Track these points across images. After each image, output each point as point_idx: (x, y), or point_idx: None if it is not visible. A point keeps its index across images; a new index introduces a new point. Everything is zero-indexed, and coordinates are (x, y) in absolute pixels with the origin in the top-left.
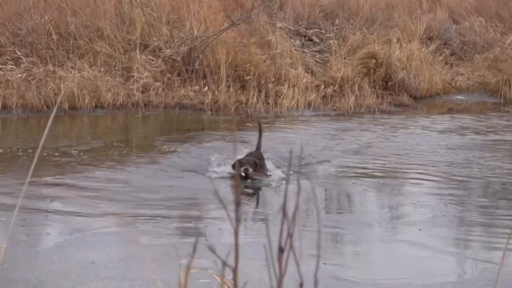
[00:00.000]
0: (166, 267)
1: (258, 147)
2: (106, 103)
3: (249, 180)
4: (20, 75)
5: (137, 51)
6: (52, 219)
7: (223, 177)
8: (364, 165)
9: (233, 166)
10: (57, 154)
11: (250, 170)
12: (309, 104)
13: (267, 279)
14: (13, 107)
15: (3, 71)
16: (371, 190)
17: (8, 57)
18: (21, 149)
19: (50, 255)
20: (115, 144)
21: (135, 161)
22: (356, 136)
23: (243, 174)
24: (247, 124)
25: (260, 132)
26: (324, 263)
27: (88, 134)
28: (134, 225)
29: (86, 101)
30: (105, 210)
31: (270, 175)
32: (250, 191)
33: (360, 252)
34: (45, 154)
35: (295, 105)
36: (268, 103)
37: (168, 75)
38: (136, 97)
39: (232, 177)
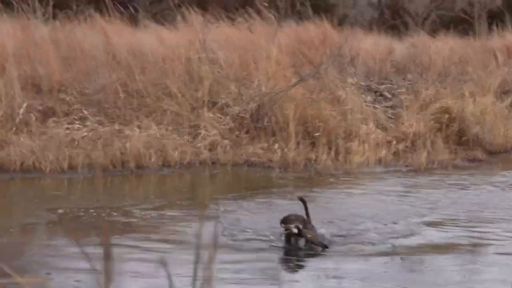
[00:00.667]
0: None
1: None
2: (173, 161)
3: (299, 242)
4: (86, 134)
5: (205, 109)
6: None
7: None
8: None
9: (282, 222)
10: (117, 214)
11: (301, 226)
12: (380, 160)
13: None
14: (79, 167)
15: (69, 130)
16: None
17: (75, 117)
18: (82, 209)
19: None
20: (179, 203)
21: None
22: (430, 194)
23: (295, 230)
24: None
25: (306, 207)
26: None
27: (153, 193)
28: None
29: (153, 160)
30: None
31: (325, 246)
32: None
33: None
34: (103, 215)
35: (366, 162)
36: (338, 160)
37: (237, 132)
38: (203, 155)
39: (282, 235)
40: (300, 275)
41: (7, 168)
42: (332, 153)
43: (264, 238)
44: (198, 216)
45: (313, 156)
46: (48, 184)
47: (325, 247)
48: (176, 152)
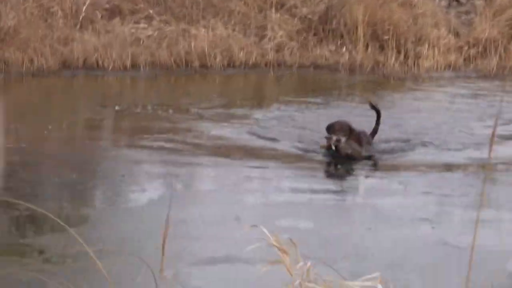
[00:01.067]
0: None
1: (374, 131)
2: (239, 62)
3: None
4: (151, 33)
5: (273, 10)
6: (150, 175)
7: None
8: None
9: (327, 129)
10: (174, 111)
11: (343, 140)
12: (450, 65)
13: None
14: (142, 65)
15: (134, 29)
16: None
17: (141, 15)
18: (140, 106)
19: (140, 213)
20: (238, 102)
21: (250, 118)
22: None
23: (332, 146)
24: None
25: (378, 115)
26: (433, 227)
27: (213, 92)
28: (238, 184)
29: (218, 59)
30: (206, 168)
31: (372, 155)
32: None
33: (472, 219)
34: (160, 112)
35: (435, 66)
36: (406, 64)
37: (304, 34)
38: (269, 57)
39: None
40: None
41: (70, 65)
42: (401, 57)
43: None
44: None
45: (381, 59)
46: (109, 81)
47: (369, 158)
48: (242, 53)
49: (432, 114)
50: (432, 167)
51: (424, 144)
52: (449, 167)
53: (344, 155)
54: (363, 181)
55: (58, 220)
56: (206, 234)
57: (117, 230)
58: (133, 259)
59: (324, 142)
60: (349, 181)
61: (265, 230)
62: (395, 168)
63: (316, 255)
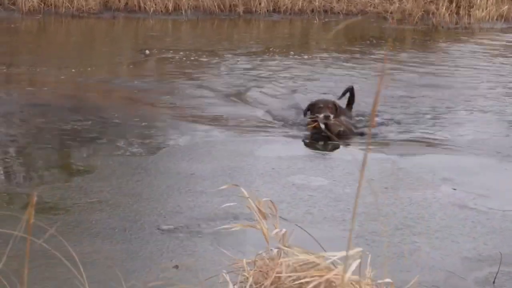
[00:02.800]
0: (272, 183)
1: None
2: (284, 7)
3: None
4: None
5: None
6: (169, 124)
7: None
8: None
9: (307, 111)
10: (206, 56)
11: (331, 117)
12: (502, 16)
13: None
14: (184, 8)
15: None
16: None
17: None
18: (172, 51)
19: (150, 165)
20: (272, 49)
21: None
22: None
23: (322, 125)
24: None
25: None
26: (454, 189)
27: (252, 39)
28: (253, 135)
29: (262, 4)
30: (223, 119)
31: (363, 133)
32: None
33: (493, 182)
34: (191, 58)
35: (487, 17)
36: (458, 13)
37: None
38: (316, 3)
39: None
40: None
41: (111, 6)
42: (453, 6)
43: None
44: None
45: (432, 8)
46: (149, 24)
47: (361, 134)
48: None
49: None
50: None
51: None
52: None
53: (336, 133)
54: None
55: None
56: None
57: (118, 181)
58: (130, 212)
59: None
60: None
61: (244, 192)
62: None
63: (326, 214)
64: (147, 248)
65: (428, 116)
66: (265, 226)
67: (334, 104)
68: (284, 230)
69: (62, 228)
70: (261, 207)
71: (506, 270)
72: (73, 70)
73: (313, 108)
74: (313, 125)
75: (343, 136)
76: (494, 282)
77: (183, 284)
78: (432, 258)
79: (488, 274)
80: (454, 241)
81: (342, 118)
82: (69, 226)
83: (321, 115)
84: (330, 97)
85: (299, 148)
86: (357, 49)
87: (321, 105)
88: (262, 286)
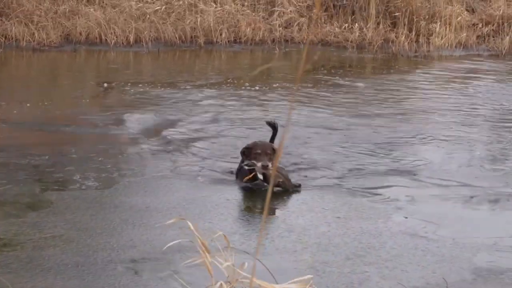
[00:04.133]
0: (226, 215)
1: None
2: (245, 38)
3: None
4: (159, 8)
5: None
6: (125, 158)
7: None
8: None
9: (243, 155)
10: (165, 89)
11: (270, 165)
12: (461, 43)
13: None
14: (145, 40)
15: (142, 3)
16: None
17: None
18: (130, 84)
19: (105, 199)
20: (230, 80)
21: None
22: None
23: (260, 176)
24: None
25: (275, 130)
26: (406, 217)
27: (214, 70)
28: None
29: (223, 35)
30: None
31: (300, 185)
32: None
33: (444, 209)
34: (148, 89)
35: (447, 44)
36: (418, 41)
37: (314, 10)
38: (278, 33)
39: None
40: None
41: (72, 39)
42: (413, 34)
43: None
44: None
45: (392, 36)
46: (110, 57)
47: (298, 186)
48: (249, 29)
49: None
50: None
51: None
52: None
53: (275, 185)
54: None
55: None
56: None
57: (72, 216)
58: (83, 247)
59: (242, 171)
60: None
61: (191, 226)
62: None
63: (278, 245)
64: (99, 283)
65: (382, 146)
66: (208, 259)
67: (273, 149)
68: (230, 263)
69: (16, 265)
70: (205, 242)
71: None
72: (32, 104)
73: (249, 153)
74: (249, 176)
75: (283, 186)
76: None
77: None
78: (381, 287)
79: None
80: (404, 270)
81: (279, 166)
82: (22, 262)
83: (259, 164)
84: (266, 139)
85: None
86: (319, 77)
87: (259, 151)
88: None
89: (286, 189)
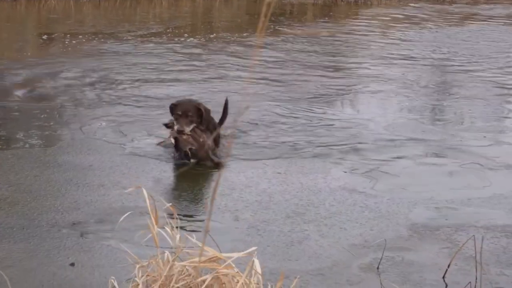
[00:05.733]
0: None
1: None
2: None
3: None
4: None
5: None
6: (68, 116)
7: None
8: None
9: (170, 110)
10: (105, 40)
11: (187, 130)
12: None
13: None
14: None
15: None
16: None
17: None
18: (69, 35)
19: (48, 157)
20: (170, 30)
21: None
22: None
23: (172, 139)
24: None
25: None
26: (345, 172)
27: (153, 19)
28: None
29: None
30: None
31: (219, 164)
32: None
33: (382, 165)
34: (92, 40)
35: None
36: None
37: None
38: None
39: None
40: None
41: None
42: None
43: None
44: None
45: None
46: (51, 7)
47: (217, 164)
48: None
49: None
50: None
51: None
52: None
53: (184, 152)
54: None
55: None
56: None
57: (16, 177)
58: (28, 210)
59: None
60: None
61: (146, 194)
62: None
63: (220, 204)
64: (44, 245)
65: (319, 100)
66: (155, 230)
67: (198, 109)
68: (178, 235)
69: None
70: (155, 211)
71: (390, 255)
72: None
73: (172, 111)
74: (160, 141)
75: (194, 156)
76: (378, 268)
77: (79, 282)
78: (320, 246)
79: (373, 260)
80: (342, 228)
81: (199, 132)
82: None
83: (175, 127)
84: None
85: None
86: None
87: (179, 112)
88: None
89: (200, 159)
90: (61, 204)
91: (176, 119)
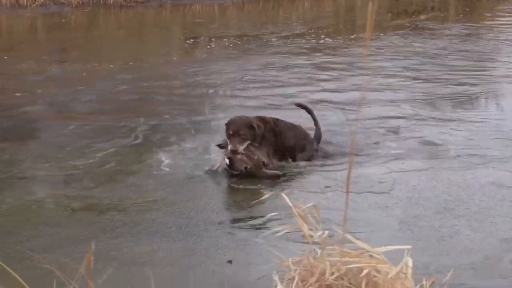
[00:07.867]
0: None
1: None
2: None
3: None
4: None
5: None
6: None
7: None
8: None
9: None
10: (250, 40)
11: (241, 149)
12: None
13: None
14: None
15: None
16: None
17: None
18: (214, 38)
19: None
20: (313, 31)
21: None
22: None
23: (226, 160)
24: None
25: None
26: (493, 167)
27: (296, 20)
28: None
29: None
30: None
31: (278, 176)
32: None
33: None
34: (236, 41)
35: None
36: None
37: None
38: None
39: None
40: None
41: None
42: None
43: None
44: None
45: None
46: (196, 12)
47: (276, 177)
48: None
49: None
50: None
51: None
52: None
53: (243, 173)
54: None
55: None
56: None
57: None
58: (184, 210)
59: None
60: None
61: (287, 199)
62: None
63: (368, 200)
64: (202, 244)
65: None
66: (306, 230)
67: (250, 126)
68: (326, 232)
69: (122, 229)
70: (302, 213)
71: None
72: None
73: (227, 130)
74: (218, 166)
75: (251, 174)
76: None
77: (236, 278)
78: (471, 240)
79: None
80: (493, 222)
81: (253, 149)
82: (127, 227)
83: (228, 148)
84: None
85: None
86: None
87: (231, 132)
88: (307, 284)
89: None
90: (215, 204)
91: (228, 138)
